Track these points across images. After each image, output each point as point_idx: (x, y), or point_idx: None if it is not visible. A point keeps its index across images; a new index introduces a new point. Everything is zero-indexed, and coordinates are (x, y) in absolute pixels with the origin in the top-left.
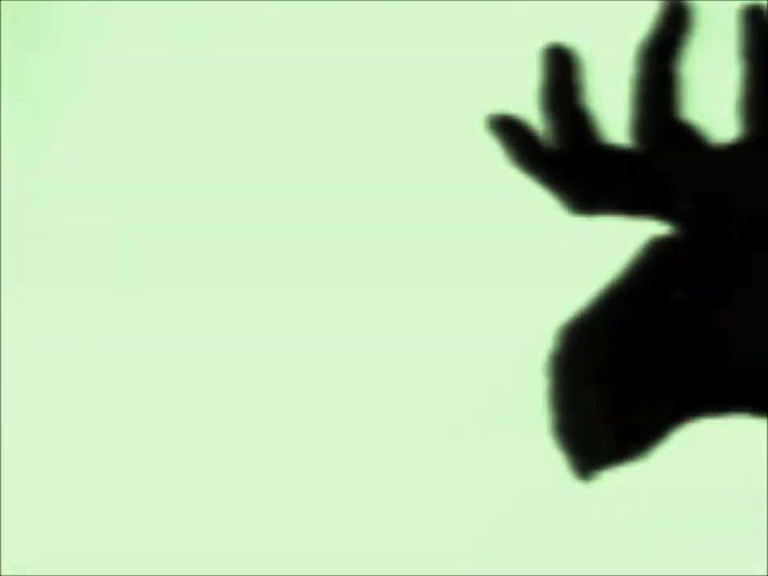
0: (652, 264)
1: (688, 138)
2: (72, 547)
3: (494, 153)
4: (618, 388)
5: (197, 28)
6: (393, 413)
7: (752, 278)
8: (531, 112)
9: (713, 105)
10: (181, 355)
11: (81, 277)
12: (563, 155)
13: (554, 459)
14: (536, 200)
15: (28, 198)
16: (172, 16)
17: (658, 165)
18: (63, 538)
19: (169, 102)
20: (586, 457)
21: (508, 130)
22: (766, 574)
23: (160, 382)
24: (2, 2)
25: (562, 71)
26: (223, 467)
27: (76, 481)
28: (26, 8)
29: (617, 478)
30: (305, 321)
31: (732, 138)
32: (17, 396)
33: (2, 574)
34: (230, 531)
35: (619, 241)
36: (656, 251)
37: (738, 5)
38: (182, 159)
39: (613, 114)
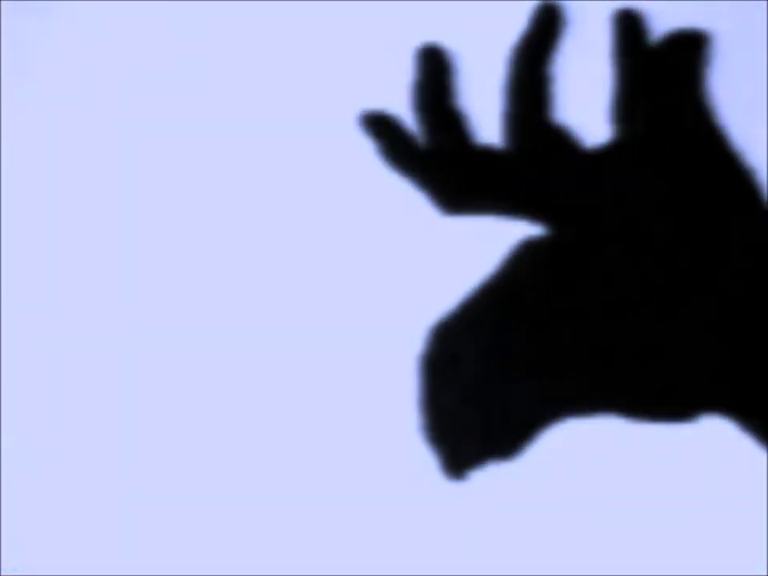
0: (523, 265)
1: (560, 140)
2: (72, 547)
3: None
4: (485, 388)
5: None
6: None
7: (617, 281)
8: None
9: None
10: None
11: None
12: (434, 155)
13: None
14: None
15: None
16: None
17: (530, 166)
18: (63, 537)
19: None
20: (454, 456)
21: (380, 128)
22: (766, 574)
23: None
24: None
25: (434, 71)
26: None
27: (76, 476)
28: None
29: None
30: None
31: (604, 140)
32: (17, 396)
33: (2, 574)
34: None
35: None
36: (527, 252)
37: (610, 7)
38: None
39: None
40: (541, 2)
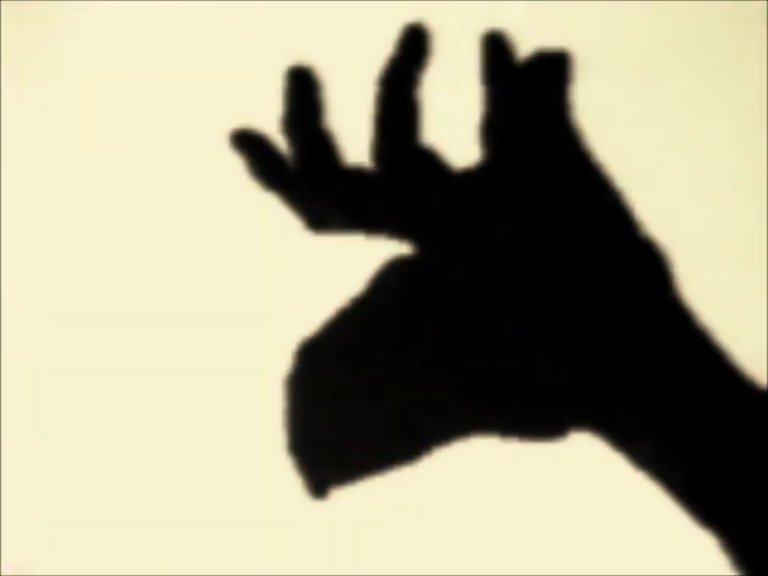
0: (391, 283)
1: (425, 161)
2: (72, 547)
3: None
4: (350, 407)
5: None
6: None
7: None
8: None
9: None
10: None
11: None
12: (301, 174)
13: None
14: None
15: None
16: None
17: (397, 187)
18: (63, 537)
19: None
20: (318, 474)
21: (249, 146)
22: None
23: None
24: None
25: (303, 92)
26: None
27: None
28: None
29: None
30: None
31: (471, 162)
32: (17, 398)
33: (2, 574)
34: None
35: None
36: (395, 270)
37: (479, 30)
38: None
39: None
40: (407, 24)
